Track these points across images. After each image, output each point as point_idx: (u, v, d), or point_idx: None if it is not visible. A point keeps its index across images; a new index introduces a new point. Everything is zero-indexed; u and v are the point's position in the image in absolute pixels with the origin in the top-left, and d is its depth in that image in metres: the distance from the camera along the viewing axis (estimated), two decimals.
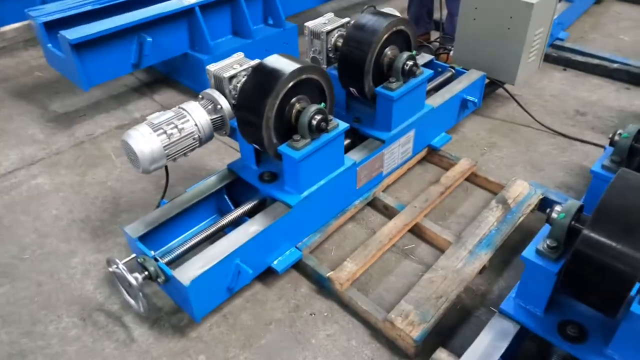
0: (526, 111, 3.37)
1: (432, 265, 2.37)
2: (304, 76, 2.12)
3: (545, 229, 1.71)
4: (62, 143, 3.34)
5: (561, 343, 1.65)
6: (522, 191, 2.64)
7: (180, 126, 2.18)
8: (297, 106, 2.16)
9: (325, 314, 2.18)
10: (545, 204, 2.64)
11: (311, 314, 2.18)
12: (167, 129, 2.14)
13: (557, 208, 1.66)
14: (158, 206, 2.43)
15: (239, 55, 2.45)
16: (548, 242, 1.62)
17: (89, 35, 3.04)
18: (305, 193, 2.24)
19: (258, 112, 2.04)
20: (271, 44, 3.89)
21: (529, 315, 1.72)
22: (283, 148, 2.14)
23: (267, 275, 2.30)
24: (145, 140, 2.08)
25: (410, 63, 2.49)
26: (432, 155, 3.03)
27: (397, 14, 3.00)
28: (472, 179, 2.89)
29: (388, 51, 2.53)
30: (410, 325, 1.97)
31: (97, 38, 3.10)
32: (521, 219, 2.50)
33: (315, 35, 2.67)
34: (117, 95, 3.86)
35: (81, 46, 3.08)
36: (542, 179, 2.90)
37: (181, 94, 3.84)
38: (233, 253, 2.00)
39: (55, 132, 3.46)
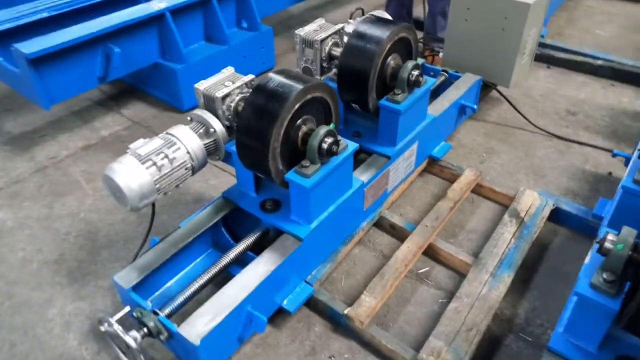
0: (523, 116, 3.26)
1: (451, 289, 2.23)
2: (309, 96, 1.90)
3: (595, 258, 1.57)
4: (22, 169, 2.97)
5: None
6: (533, 202, 2.52)
7: (171, 155, 1.92)
8: (304, 128, 1.94)
9: (346, 356, 1.98)
10: (556, 214, 2.53)
11: (330, 357, 1.97)
12: (156, 160, 1.87)
13: (610, 237, 1.52)
14: (144, 243, 2.16)
15: (229, 70, 2.20)
16: (605, 275, 1.48)
17: (49, 48, 2.69)
18: (315, 223, 2.03)
19: (263, 142, 1.80)
20: (248, 50, 3.62)
21: (582, 353, 1.59)
22: (291, 176, 1.91)
23: (275, 314, 2.07)
24: (133, 175, 1.81)
25: (415, 73, 2.31)
26: (433, 166, 2.87)
27: (388, 16, 2.83)
28: (477, 189, 2.75)
29: (391, 61, 2.34)
30: None
31: (58, 51, 2.75)
32: (537, 233, 2.38)
33: (307, 43, 2.44)
34: (80, 110, 3.50)
35: (39, 61, 2.72)
36: (546, 185, 2.80)
37: (152, 107, 3.52)
38: (244, 300, 1.76)
39: (11, 157, 3.08)
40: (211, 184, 2.82)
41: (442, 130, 2.87)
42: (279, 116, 1.79)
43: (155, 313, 1.75)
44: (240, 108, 2.07)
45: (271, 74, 1.94)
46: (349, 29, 2.58)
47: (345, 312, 2.01)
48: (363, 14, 2.90)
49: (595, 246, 1.58)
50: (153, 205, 2.09)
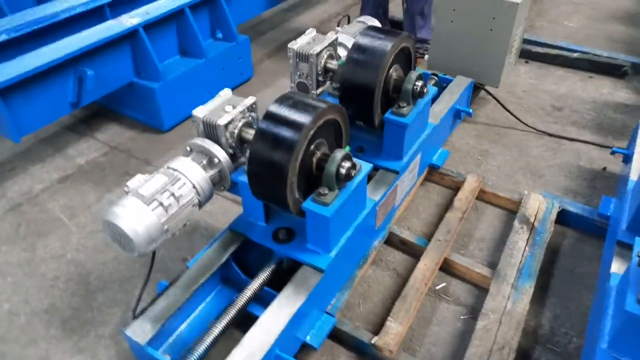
0: (513, 115, 3.25)
1: (471, 305, 2.19)
2: (321, 121, 1.79)
3: (635, 272, 1.54)
4: None
5: None
6: (540, 206, 2.50)
7: (177, 193, 1.77)
8: (318, 154, 1.83)
9: None
10: (562, 216, 2.52)
11: None
12: (162, 200, 1.72)
13: None
14: (144, 285, 1.98)
15: (227, 94, 2.06)
16: None
17: (16, 77, 2.45)
18: (334, 251, 1.92)
19: (280, 178, 1.68)
20: (226, 61, 3.45)
21: None
22: (310, 206, 1.79)
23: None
24: (138, 218, 1.65)
25: (419, 84, 2.23)
26: (433, 175, 2.81)
27: (377, 23, 2.74)
28: (480, 195, 2.70)
29: (393, 72, 2.25)
30: None
31: (26, 78, 2.51)
32: (549, 238, 2.36)
33: (302, 57, 2.31)
34: (50, 137, 3.24)
35: (6, 91, 2.48)
36: (545, 186, 2.79)
37: (129, 129, 3.30)
38: (273, 345, 1.64)
39: None
40: (206, 210, 2.66)
41: (440, 138, 2.81)
42: (294, 149, 1.66)
43: None
44: (244, 134, 1.94)
45: (279, 101, 1.80)
46: (343, 39, 2.47)
47: (373, 341, 1.92)
48: (349, 22, 2.81)
49: (635, 259, 1.55)
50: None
